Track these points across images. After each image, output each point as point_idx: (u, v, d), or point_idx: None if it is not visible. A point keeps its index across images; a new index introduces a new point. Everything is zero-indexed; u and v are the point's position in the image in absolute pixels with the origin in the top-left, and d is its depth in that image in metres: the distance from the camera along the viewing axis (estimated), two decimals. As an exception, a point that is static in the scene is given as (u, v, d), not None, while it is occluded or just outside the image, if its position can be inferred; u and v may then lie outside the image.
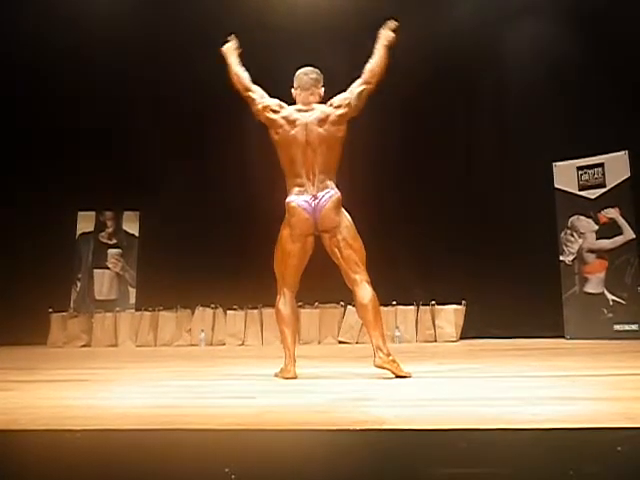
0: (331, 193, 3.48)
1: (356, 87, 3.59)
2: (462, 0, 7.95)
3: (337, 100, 3.60)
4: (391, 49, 3.63)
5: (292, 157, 3.52)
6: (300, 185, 3.50)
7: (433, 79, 7.84)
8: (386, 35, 3.66)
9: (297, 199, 3.48)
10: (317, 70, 3.73)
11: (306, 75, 3.69)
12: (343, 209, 3.54)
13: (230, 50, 3.83)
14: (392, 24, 3.69)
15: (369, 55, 3.65)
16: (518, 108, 7.95)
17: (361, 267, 3.45)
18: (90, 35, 8.20)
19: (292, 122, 3.55)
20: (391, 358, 3.26)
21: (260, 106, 3.62)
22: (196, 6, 8.08)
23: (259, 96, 3.66)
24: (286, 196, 3.55)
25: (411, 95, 7.52)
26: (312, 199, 3.46)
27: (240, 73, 3.75)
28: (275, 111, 3.59)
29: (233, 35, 3.89)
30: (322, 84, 3.72)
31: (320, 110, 3.58)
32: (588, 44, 7.55)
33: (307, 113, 3.57)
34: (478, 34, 7.89)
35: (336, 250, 3.47)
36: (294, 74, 3.74)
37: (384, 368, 3.24)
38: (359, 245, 3.49)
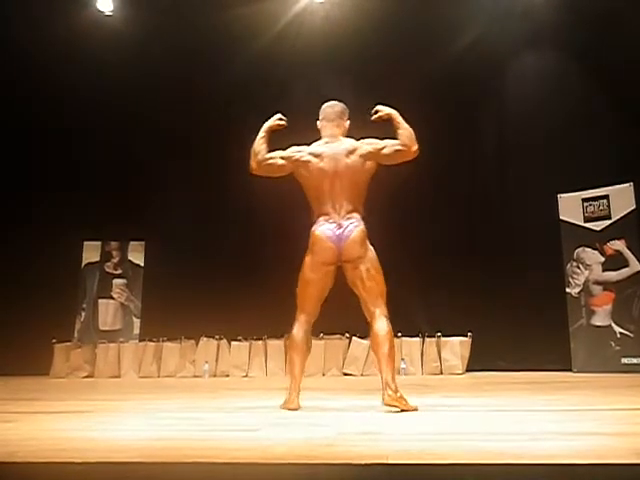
0: (356, 224, 3.47)
1: (393, 143, 3.55)
2: (463, 33, 8.04)
3: (369, 140, 3.60)
4: (400, 118, 3.58)
5: (320, 188, 3.53)
6: (326, 214, 3.50)
7: (435, 111, 7.91)
8: (386, 114, 3.61)
9: (322, 227, 3.48)
10: (343, 104, 3.76)
11: (331, 108, 3.73)
12: (368, 242, 3.51)
13: (267, 127, 3.72)
14: (375, 109, 3.67)
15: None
16: (522, 140, 8.00)
17: (381, 301, 3.42)
18: (93, 73, 8.36)
19: (319, 155, 3.57)
20: (399, 395, 3.21)
21: (283, 161, 3.61)
22: (201, 41, 8.23)
23: (278, 155, 3.63)
24: (311, 225, 3.54)
25: (415, 128, 7.57)
26: (337, 227, 3.45)
27: (260, 149, 3.63)
28: (299, 151, 3.61)
29: (280, 114, 3.77)
30: (347, 117, 3.74)
31: (349, 142, 3.60)
32: (592, 76, 7.64)
33: (334, 144, 3.60)
34: (481, 66, 7.98)
35: (358, 282, 3.44)
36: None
37: (393, 406, 3.19)
38: (381, 278, 3.46)
